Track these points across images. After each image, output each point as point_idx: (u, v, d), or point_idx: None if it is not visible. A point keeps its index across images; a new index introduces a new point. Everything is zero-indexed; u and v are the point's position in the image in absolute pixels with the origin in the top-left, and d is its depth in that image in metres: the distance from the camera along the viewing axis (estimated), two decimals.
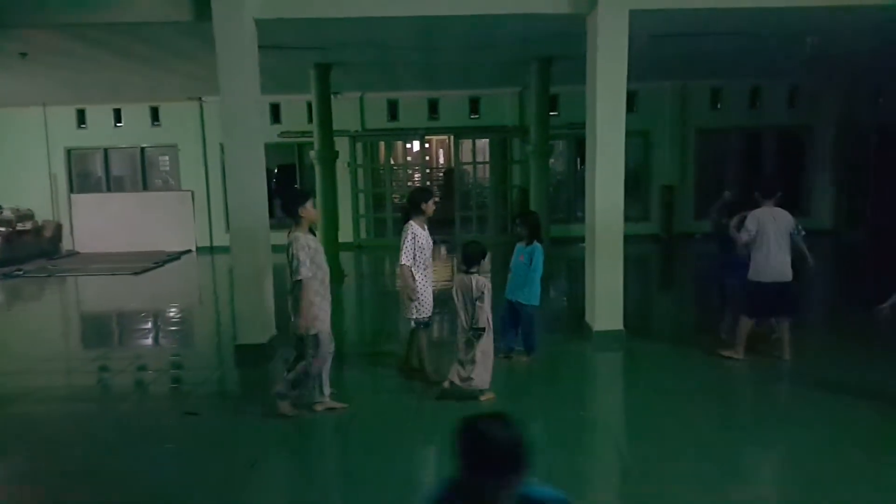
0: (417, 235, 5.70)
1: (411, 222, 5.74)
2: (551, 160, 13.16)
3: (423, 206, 5.78)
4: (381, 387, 6.13)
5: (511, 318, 6.39)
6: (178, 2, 6.51)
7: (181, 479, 4.34)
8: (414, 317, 5.81)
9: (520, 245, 6.39)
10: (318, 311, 5.08)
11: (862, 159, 14.24)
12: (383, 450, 4.65)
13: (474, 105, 14.93)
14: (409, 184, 16.36)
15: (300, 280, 4.92)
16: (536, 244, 6.25)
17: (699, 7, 6.79)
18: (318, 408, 5.28)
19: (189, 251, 15.08)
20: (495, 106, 14.86)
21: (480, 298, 5.25)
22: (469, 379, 5.30)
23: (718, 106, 14.90)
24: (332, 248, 11.28)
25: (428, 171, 16.79)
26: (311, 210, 5.11)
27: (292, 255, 4.92)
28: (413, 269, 5.66)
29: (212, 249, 15.10)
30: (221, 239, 15.11)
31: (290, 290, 5.05)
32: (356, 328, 8.78)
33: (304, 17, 6.75)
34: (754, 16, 7.24)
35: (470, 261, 5.46)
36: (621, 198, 6.79)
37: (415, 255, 5.66)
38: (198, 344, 8.17)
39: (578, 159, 15.22)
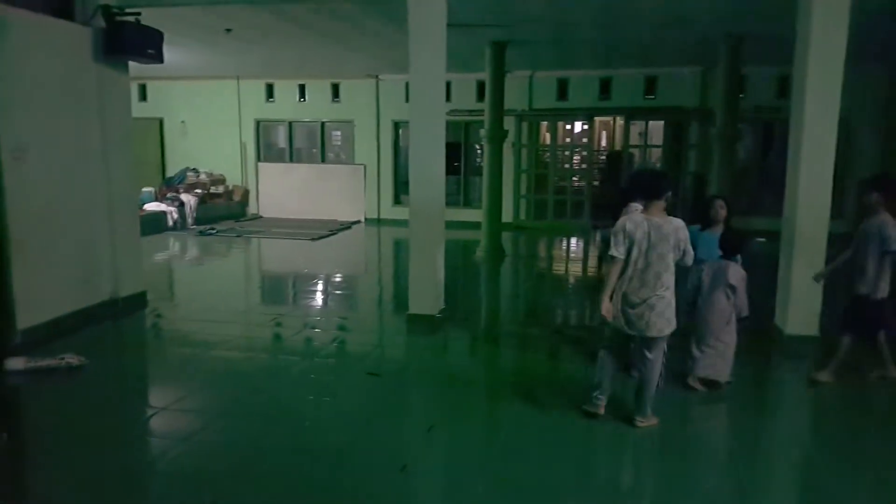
0: None
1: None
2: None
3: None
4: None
5: None
6: None
7: (365, 432, 4.57)
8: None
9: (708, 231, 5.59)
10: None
11: None
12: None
13: (650, 84, 14.26)
14: (567, 166, 16.05)
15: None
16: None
17: None
18: (644, 423, 4.56)
19: (358, 222, 15.87)
20: (674, 86, 14.08)
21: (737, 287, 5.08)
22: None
23: None
24: (495, 227, 11.38)
25: (588, 152, 16.23)
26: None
27: (686, 239, 4.38)
28: None
29: (379, 221, 15.81)
30: (388, 212, 15.80)
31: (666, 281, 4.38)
32: (520, 308, 8.82)
33: None
34: None
35: (732, 249, 5.17)
36: (829, 193, 6.11)
37: None
38: (371, 310, 8.56)
39: (764, 146, 14.15)
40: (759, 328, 6.34)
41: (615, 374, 4.75)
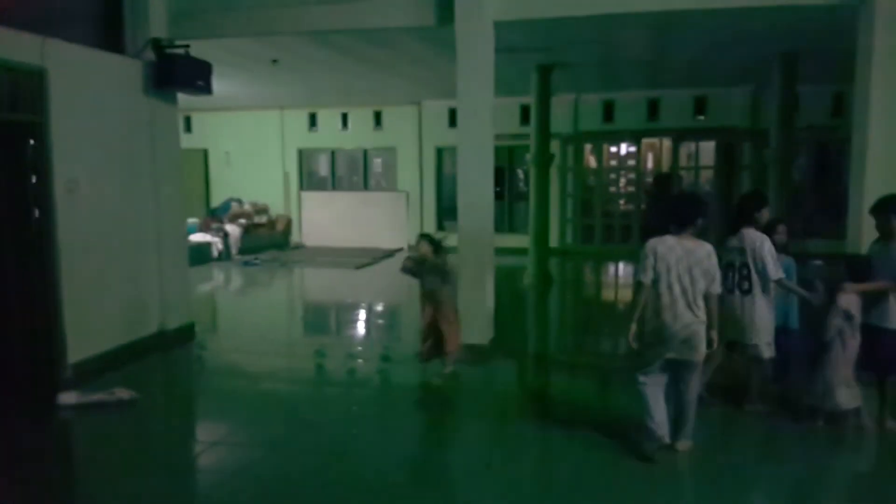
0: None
1: (757, 232, 5.03)
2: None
3: (758, 215, 5.13)
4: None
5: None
6: (423, 7, 6.68)
7: (421, 467, 4.40)
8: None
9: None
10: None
11: None
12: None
13: (700, 105, 13.95)
14: (613, 189, 15.74)
15: (718, 294, 4.36)
16: (790, 259, 5.36)
17: None
18: (683, 447, 4.49)
19: (401, 249, 15.77)
20: (724, 106, 13.74)
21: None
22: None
23: None
24: (542, 253, 11.16)
25: (636, 175, 15.92)
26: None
27: (715, 265, 4.33)
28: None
29: None
30: None
31: (698, 307, 4.27)
32: (570, 337, 8.55)
33: (542, 17, 6.64)
34: None
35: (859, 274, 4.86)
36: None
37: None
38: (417, 340, 8.36)
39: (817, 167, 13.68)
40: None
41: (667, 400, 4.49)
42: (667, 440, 4.42)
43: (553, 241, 13.61)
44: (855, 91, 6.23)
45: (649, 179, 15.99)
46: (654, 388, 4.43)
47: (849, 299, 4.71)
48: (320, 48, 9.09)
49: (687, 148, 14.66)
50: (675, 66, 10.76)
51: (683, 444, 4.47)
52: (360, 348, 7.75)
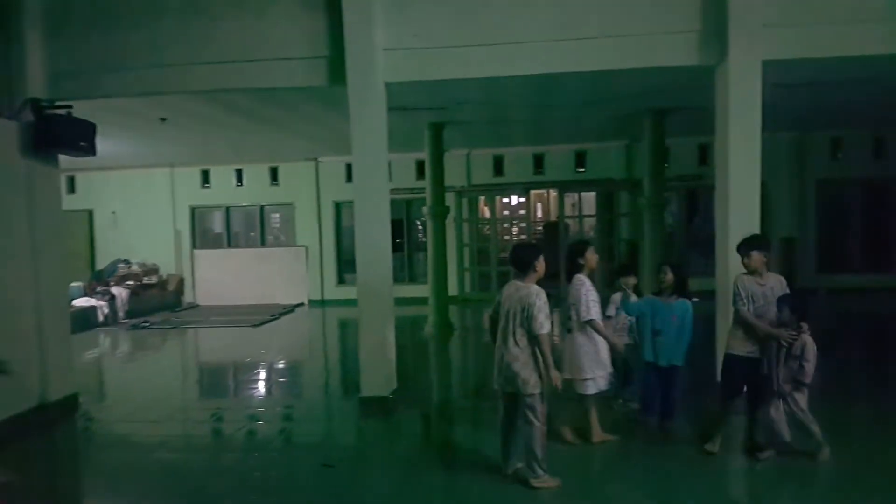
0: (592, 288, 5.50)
1: (580, 276, 5.53)
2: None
3: (583, 260, 5.58)
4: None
5: (659, 383, 5.89)
6: (314, 68, 6.85)
7: None
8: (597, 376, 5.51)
9: (659, 300, 5.87)
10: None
11: None
12: None
13: (580, 158, 14.89)
14: (507, 238, 16.35)
15: (541, 334, 4.58)
16: (685, 301, 5.79)
17: (831, 56, 6.51)
18: (538, 484, 4.75)
19: (302, 304, 15.59)
20: (602, 159, 14.75)
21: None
22: None
23: (839, 156, 14.18)
24: (442, 301, 11.39)
25: (526, 224, 16.66)
26: (542, 265, 4.83)
27: (532, 306, 4.59)
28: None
29: (323, 302, 15.57)
30: (332, 292, 15.61)
31: (525, 345, 4.65)
32: (472, 381, 8.71)
33: (431, 79, 6.97)
34: (885, 63, 6.87)
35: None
36: None
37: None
38: (319, 396, 8.30)
39: (688, 212, 14.86)
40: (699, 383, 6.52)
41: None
42: (506, 471, 4.87)
43: (452, 289, 13.93)
44: (716, 142, 6.93)
45: (539, 228, 16.80)
46: (503, 419, 4.92)
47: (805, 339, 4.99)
48: (210, 106, 9.05)
49: (571, 198, 15.53)
50: (556, 123, 11.48)
51: (538, 481, 4.72)
52: (260, 409, 7.57)
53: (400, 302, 11.67)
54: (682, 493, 4.80)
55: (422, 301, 11.87)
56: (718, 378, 5.61)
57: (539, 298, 4.60)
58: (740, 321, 5.21)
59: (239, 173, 16.09)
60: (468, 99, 8.70)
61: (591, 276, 5.64)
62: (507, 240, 16.41)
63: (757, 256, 5.25)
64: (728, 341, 5.33)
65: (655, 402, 5.96)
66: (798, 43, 6.45)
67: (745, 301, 5.17)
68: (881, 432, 5.85)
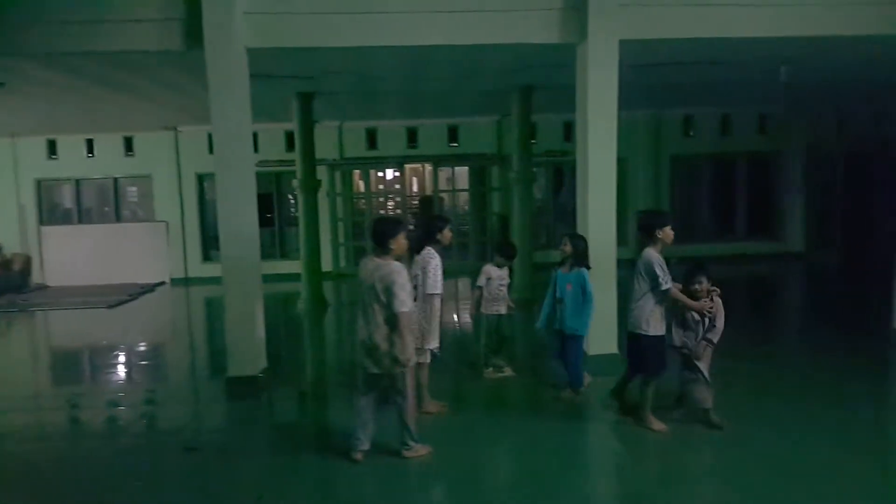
0: (440, 264, 5.62)
1: (432, 250, 5.63)
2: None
3: (440, 235, 5.71)
4: None
5: (561, 349, 6.11)
6: (169, 30, 6.44)
7: None
8: (433, 347, 5.67)
9: (560, 271, 6.05)
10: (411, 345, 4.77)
11: (830, 183, 14.67)
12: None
13: (453, 133, 15.04)
14: (382, 212, 16.32)
15: (404, 311, 4.55)
16: (583, 270, 5.95)
17: (684, 37, 6.93)
18: (411, 454, 4.86)
19: (163, 283, 14.77)
20: (474, 134, 14.98)
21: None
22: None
23: (691, 133, 15.27)
24: (315, 277, 11.21)
25: (401, 198, 16.72)
26: (402, 242, 4.80)
27: (392, 284, 4.54)
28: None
29: (187, 281, 14.83)
30: (197, 270, 14.91)
31: (385, 322, 4.63)
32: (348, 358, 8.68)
33: (295, 46, 6.75)
34: (736, 45, 7.42)
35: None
36: (614, 223, 6.88)
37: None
38: (184, 378, 7.95)
39: (555, 186, 15.50)
40: None
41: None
42: (363, 446, 4.85)
43: (327, 265, 13.74)
44: (577, 120, 7.22)
45: (415, 202, 16.88)
46: (360, 399, 4.88)
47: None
48: (55, 71, 8.26)
49: (446, 172, 15.68)
50: (428, 97, 11.48)
51: (411, 451, 4.83)
52: (120, 394, 7.14)
53: (272, 278, 11.43)
54: (545, 452, 5.06)
55: (295, 277, 11.61)
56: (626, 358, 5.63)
57: (400, 276, 4.58)
58: (664, 300, 5.17)
59: (90, 143, 14.88)
60: (336, 69, 8.50)
61: (441, 252, 5.76)
62: (382, 214, 16.35)
63: (670, 231, 5.19)
64: (640, 322, 5.20)
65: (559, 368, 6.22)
66: (654, 23, 6.78)
67: (666, 278, 5.08)
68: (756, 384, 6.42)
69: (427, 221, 6.00)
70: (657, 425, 5.31)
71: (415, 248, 5.56)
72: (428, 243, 5.66)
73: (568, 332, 5.94)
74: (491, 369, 6.89)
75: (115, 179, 15.26)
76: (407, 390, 4.77)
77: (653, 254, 5.13)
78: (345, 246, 15.37)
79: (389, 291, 4.53)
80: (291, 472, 4.85)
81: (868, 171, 13.20)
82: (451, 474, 4.72)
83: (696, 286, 5.20)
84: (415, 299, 5.49)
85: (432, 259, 5.56)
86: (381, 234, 4.75)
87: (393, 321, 4.57)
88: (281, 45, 6.66)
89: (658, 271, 5.04)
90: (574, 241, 6.02)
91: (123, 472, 4.93)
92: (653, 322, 5.18)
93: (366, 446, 4.88)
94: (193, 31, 6.37)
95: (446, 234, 5.75)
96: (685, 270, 5.27)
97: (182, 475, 4.87)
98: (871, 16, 6.95)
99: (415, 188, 17.99)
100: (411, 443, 4.85)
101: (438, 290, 5.54)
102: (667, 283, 5.05)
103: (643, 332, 5.19)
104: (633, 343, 5.33)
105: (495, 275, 6.74)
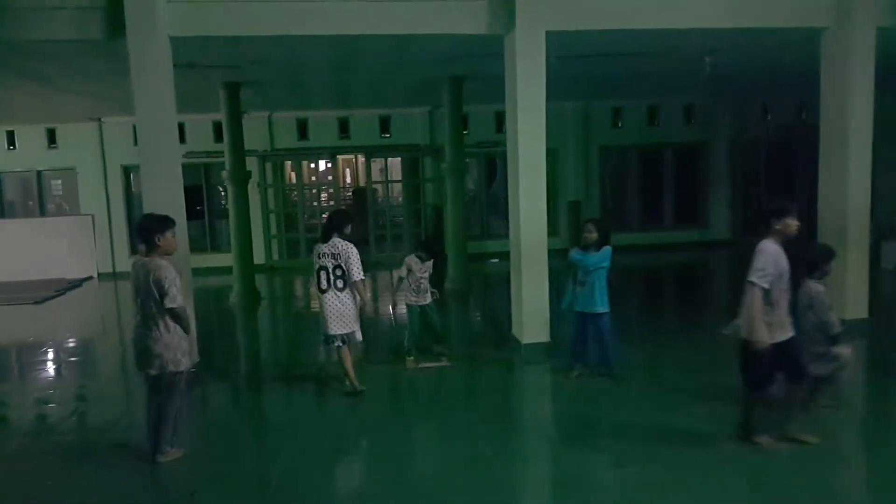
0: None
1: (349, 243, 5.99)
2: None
3: (347, 230, 6.05)
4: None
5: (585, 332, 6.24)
6: (89, 19, 6.28)
7: None
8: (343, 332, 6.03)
9: (583, 253, 6.09)
10: (188, 345, 4.82)
11: (755, 172, 15.36)
12: None
13: (385, 124, 15.04)
14: (315, 203, 16.19)
15: (175, 308, 4.59)
16: (607, 248, 6.04)
17: (610, 28, 7.10)
18: (166, 458, 4.81)
19: (90, 278, 14.30)
20: (406, 125, 15.03)
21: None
22: None
23: (620, 124, 15.71)
24: (247, 270, 11.07)
25: (334, 190, 16.59)
26: (171, 240, 4.75)
27: (161, 280, 4.54)
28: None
29: (115, 275, 14.38)
30: (125, 264, 14.45)
31: (152, 320, 4.64)
32: (283, 351, 8.65)
33: (220, 34, 6.68)
34: (660, 36, 7.61)
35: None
36: (544, 212, 7.06)
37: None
38: (114, 374, 7.80)
39: (488, 177, 15.73)
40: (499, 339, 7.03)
41: None
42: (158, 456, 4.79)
43: (259, 257, 13.59)
44: (507, 111, 7.34)
45: (349, 193, 16.86)
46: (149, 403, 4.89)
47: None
48: None
49: (378, 163, 15.69)
50: (359, 87, 11.45)
51: (166, 456, 4.79)
52: (49, 391, 6.96)
53: (203, 272, 11.26)
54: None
55: (227, 270, 11.45)
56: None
57: (168, 273, 4.59)
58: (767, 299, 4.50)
59: (10, 135, 14.30)
60: (263, 58, 8.39)
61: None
62: (315, 206, 16.22)
63: (792, 222, 4.59)
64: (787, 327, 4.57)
65: (581, 349, 6.33)
66: (580, 15, 6.93)
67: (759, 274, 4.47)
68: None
69: (331, 216, 6.32)
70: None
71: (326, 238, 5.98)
72: (339, 234, 5.98)
73: (600, 311, 6.06)
74: (412, 358, 6.98)
75: (39, 172, 14.75)
76: (176, 395, 4.79)
77: (763, 245, 4.54)
78: (277, 238, 15.21)
79: (160, 289, 4.54)
80: (224, 466, 4.88)
81: (791, 159, 13.89)
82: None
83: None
84: (344, 285, 5.87)
85: (353, 249, 5.91)
86: (145, 230, 4.71)
87: (167, 317, 4.62)
88: (205, 34, 6.60)
89: (756, 263, 4.45)
90: (599, 224, 6.13)
91: (57, 469, 4.86)
92: (785, 324, 4.59)
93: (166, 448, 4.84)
94: (115, 20, 6.24)
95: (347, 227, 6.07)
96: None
97: (112, 470, 4.81)
98: (790, 7, 7.22)
99: (348, 179, 17.95)
100: (167, 447, 4.82)
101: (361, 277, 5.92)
102: (759, 278, 4.41)
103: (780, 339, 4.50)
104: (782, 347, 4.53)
105: (416, 267, 6.88)
